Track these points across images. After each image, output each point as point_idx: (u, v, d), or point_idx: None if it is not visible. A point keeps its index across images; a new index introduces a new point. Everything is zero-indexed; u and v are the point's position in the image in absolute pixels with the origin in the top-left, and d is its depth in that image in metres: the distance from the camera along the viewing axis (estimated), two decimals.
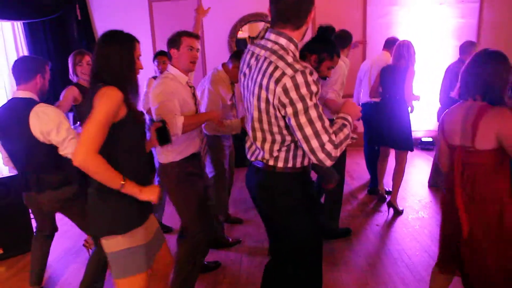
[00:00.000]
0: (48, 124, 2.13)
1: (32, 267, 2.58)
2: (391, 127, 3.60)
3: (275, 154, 1.60)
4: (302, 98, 1.39)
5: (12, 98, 2.27)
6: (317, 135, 1.42)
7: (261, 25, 5.97)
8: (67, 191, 2.29)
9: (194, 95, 2.39)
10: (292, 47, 1.51)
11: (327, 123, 1.44)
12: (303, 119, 1.41)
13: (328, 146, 1.43)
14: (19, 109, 2.17)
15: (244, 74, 1.63)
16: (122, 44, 1.61)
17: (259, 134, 1.61)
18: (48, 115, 2.14)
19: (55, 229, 2.64)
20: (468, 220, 1.74)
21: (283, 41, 1.50)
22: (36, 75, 2.25)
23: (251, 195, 1.80)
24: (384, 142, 3.75)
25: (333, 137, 1.45)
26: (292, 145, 1.58)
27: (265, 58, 1.49)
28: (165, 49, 2.41)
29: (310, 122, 1.41)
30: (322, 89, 1.78)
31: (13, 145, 2.24)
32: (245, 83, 1.63)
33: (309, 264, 1.74)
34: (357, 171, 4.97)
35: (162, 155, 2.26)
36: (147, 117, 3.13)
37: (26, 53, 4.92)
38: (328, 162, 1.46)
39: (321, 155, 1.44)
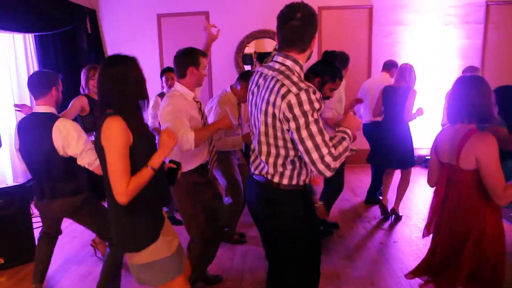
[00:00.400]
0: (67, 138, 2.28)
1: (36, 266, 2.66)
2: (394, 148, 3.75)
3: (279, 169, 1.67)
4: (304, 114, 1.51)
5: (33, 113, 2.40)
6: (317, 148, 1.52)
7: (267, 41, 6.06)
8: (78, 198, 2.43)
9: (200, 109, 2.48)
10: (297, 68, 1.63)
11: (327, 137, 1.55)
12: (304, 133, 1.52)
13: (328, 158, 1.53)
14: (42, 124, 2.31)
15: (253, 93, 1.74)
16: (131, 65, 1.69)
17: (264, 148, 1.69)
18: (68, 130, 2.28)
19: (59, 232, 2.75)
20: (450, 228, 1.93)
21: (289, 62, 1.62)
22: (51, 88, 2.37)
23: (251, 208, 1.88)
24: (388, 163, 3.91)
25: (333, 150, 1.55)
26: (297, 162, 1.67)
27: (273, 77, 1.61)
28: (173, 64, 2.47)
29: (311, 136, 1.52)
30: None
31: (33, 157, 2.37)
32: (253, 101, 1.73)
33: (308, 269, 1.81)
34: (360, 187, 4.95)
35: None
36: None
37: (36, 65, 5.00)
38: (328, 173, 1.56)
39: (321, 167, 1.54)
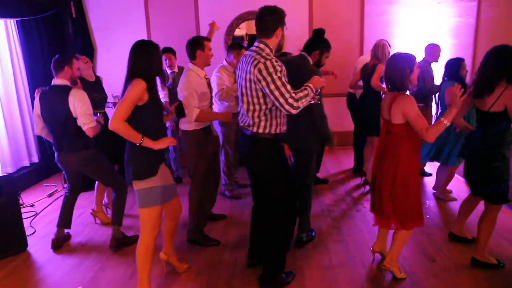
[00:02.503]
0: (79, 102, 2.99)
1: (63, 214, 3.34)
2: (364, 117, 4.33)
3: (256, 120, 2.39)
4: (270, 74, 2.24)
5: (52, 85, 3.09)
6: (282, 94, 2.24)
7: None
8: (87, 153, 3.15)
9: (209, 85, 3.20)
10: (267, 49, 2.36)
11: (288, 87, 2.26)
12: (272, 86, 2.24)
13: (290, 100, 2.24)
14: (60, 93, 3.03)
15: (239, 69, 2.48)
16: (152, 48, 2.36)
17: (245, 105, 2.42)
18: (79, 97, 3.00)
19: (82, 188, 3.51)
20: (378, 168, 2.60)
21: (262, 45, 2.37)
22: (63, 66, 3.07)
23: (241, 155, 2.66)
24: (361, 130, 4.54)
25: (294, 94, 2.26)
26: (268, 114, 2.38)
27: (251, 55, 2.36)
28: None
29: (277, 87, 2.23)
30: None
31: (53, 118, 3.06)
32: (239, 73, 2.48)
33: (285, 204, 2.51)
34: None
35: (186, 125, 3.11)
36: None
37: (19, 51, 4.86)
38: (293, 111, 2.26)
39: (287, 106, 2.25)
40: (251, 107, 2.38)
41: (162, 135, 2.38)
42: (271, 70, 2.23)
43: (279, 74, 2.24)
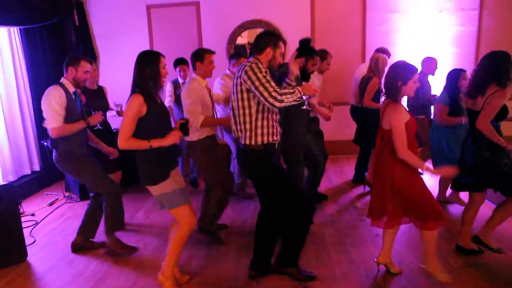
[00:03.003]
0: (44, 101, 2.98)
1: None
2: (369, 130, 4.20)
3: (242, 127, 2.58)
4: (255, 73, 2.46)
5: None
6: (266, 89, 2.43)
7: (260, 31, 5.92)
8: (57, 153, 3.11)
9: (210, 94, 3.34)
10: (257, 61, 2.55)
11: (272, 83, 2.46)
12: (257, 83, 2.44)
13: (274, 93, 2.42)
14: (50, 87, 3.03)
15: (234, 78, 2.65)
16: (150, 59, 2.44)
17: (235, 111, 2.62)
18: (47, 94, 2.98)
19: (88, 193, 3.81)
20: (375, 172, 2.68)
21: (252, 60, 2.60)
22: (67, 67, 3.06)
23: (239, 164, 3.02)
24: (368, 144, 4.38)
25: (277, 89, 2.44)
26: (253, 123, 2.56)
27: (243, 65, 2.58)
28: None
29: (261, 84, 2.44)
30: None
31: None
32: (233, 82, 2.64)
33: (284, 206, 2.64)
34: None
35: (191, 135, 3.09)
36: (175, 110, 4.70)
37: (22, 59, 4.87)
38: (277, 103, 2.43)
39: (271, 100, 2.42)
40: (237, 112, 2.59)
41: (169, 147, 2.52)
42: (256, 70, 2.47)
43: (264, 74, 2.47)
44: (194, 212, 2.66)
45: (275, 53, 2.59)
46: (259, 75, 2.44)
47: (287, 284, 2.72)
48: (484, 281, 2.66)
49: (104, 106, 3.72)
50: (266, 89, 2.42)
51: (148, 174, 2.48)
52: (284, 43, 3.36)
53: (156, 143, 2.39)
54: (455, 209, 3.87)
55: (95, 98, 3.64)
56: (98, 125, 3.53)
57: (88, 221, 3.32)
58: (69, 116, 3.02)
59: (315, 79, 4.03)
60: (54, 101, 2.94)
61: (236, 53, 4.37)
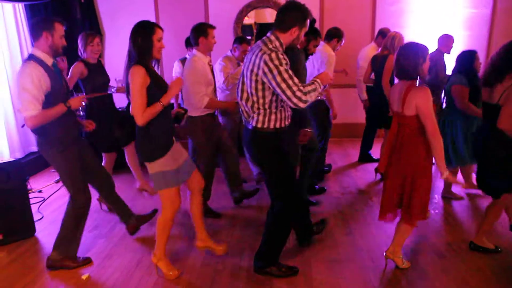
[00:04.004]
0: (18, 82, 2.43)
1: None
2: (381, 110, 4.13)
3: (255, 111, 2.36)
4: (276, 66, 2.17)
5: (27, 57, 2.51)
6: (289, 87, 2.16)
7: (268, 11, 5.80)
8: (38, 139, 2.66)
9: (212, 71, 3.30)
10: (277, 43, 2.29)
11: (296, 80, 2.19)
12: (279, 78, 2.16)
13: (298, 93, 2.16)
14: (22, 63, 2.47)
15: (247, 57, 2.39)
16: (143, 31, 2.30)
17: (245, 94, 2.39)
18: (21, 73, 2.42)
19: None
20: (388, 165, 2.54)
21: (272, 37, 2.31)
22: (41, 32, 2.45)
23: (243, 145, 2.69)
24: (379, 124, 4.43)
25: (301, 87, 2.18)
26: (267, 109, 2.34)
27: (258, 47, 2.31)
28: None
29: (284, 80, 2.16)
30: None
31: None
32: (246, 63, 2.38)
33: (286, 196, 2.49)
34: (362, 164, 4.91)
35: (193, 111, 3.23)
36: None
37: (28, 36, 4.83)
38: (301, 104, 2.19)
39: (295, 100, 2.17)
40: (250, 98, 2.35)
41: (170, 109, 2.54)
42: (277, 62, 2.16)
43: (285, 67, 2.18)
44: (180, 196, 2.57)
45: (300, 33, 2.31)
46: (281, 68, 2.15)
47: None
48: (493, 282, 2.61)
49: (107, 82, 3.68)
50: (289, 87, 2.15)
51: (145, 150, 2.42)
52: (313, 21, 3.09)
53: (165, 99, 2.32)
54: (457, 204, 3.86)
55: (100, 73, 3.57)
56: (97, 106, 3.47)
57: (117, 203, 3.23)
58: (54, 99, 2.48)
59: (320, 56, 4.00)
60: (29, 82, 2.37)
61: (239, 37, 4.17)
